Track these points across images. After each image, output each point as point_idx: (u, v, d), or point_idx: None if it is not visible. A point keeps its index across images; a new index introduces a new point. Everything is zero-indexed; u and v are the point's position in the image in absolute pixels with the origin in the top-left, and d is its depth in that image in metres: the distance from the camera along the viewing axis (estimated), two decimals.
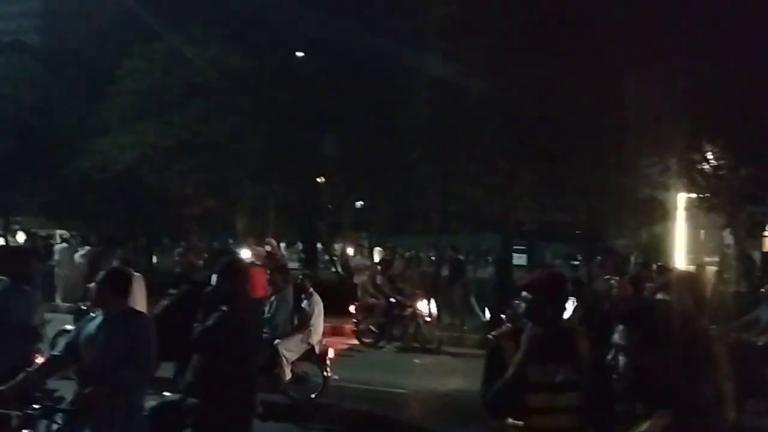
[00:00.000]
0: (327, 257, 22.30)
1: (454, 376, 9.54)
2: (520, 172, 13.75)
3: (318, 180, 22.32)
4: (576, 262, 19.14)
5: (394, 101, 16.52)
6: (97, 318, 3.75)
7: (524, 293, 2.92)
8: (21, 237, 24.17)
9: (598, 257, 15.26)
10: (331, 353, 7.78)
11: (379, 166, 18.48)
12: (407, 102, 16.00)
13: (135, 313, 3.89)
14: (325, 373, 7.50)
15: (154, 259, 22.27)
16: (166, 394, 4.49)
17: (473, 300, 14.73)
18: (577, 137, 12.55)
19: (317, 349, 7.71)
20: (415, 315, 11.71)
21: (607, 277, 9.50)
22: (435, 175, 16.39)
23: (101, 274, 3.89)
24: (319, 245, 22.36)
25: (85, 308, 8.01)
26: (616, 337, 5.83)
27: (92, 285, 7.11)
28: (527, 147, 12.73)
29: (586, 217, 18.46)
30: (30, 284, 5.01)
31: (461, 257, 16.00)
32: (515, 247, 16.81)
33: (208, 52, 17.38)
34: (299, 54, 20.16)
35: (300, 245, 24.06)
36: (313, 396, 7.42)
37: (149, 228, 22.94)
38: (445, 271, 15.10)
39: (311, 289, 8.26)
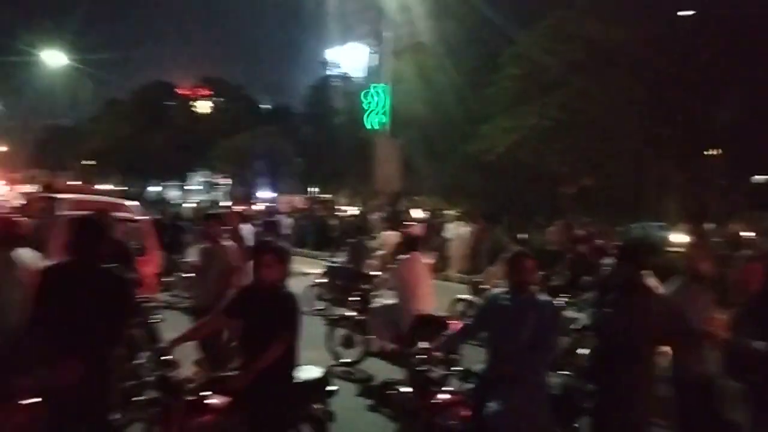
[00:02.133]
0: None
1: None
2: None
3: (708, 153, 19.85)
4: None
5: None
6: (505, 299, 3.99)
7: None
8: (418, 214, 28.05)
9: None
10: None
11: None
12: None
13: (541, 300, 3.94)
14: None
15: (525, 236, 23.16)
16: (565, 373, 4.60)
17: None
18: None
19: None
20: None
21: None
22: None
23: (505, 258, 4.09)
24: (709, 226, 19.91)
25: (479, 283, 8.82)
26: None
27: (493, 268, 7.77)
28: None
29: None
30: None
31: None
32: None
33: (587, 27, 17.05)
34: (685, 13, 18.13)
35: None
36: None
37: (523, 206, 23.97)
38: None
39: None
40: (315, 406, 4.10)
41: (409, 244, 6.97)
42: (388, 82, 20.04)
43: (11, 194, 21.65)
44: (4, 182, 55.49)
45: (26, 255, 4.81)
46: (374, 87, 19.36)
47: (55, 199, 7.75)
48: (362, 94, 19.93)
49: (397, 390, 3.95)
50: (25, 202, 10.70)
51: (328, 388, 4.21)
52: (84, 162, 39.25)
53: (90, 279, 3.56)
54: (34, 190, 31.81)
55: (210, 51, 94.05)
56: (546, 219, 22.84)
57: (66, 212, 7.26)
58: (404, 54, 27.31)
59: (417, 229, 10.67)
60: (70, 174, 40.69)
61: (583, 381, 4.14)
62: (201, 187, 52.17)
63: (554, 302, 4.33)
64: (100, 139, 41.37)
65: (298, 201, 34.96)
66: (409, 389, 3.86)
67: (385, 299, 7.20)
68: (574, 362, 5.33)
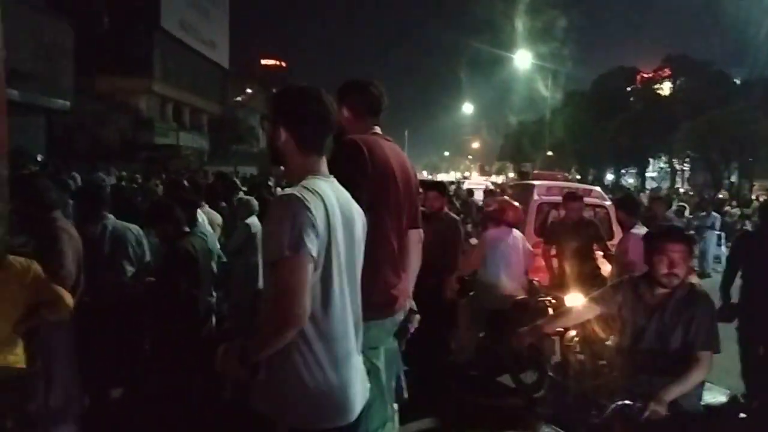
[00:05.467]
0: None
1: None
2: None
3: None
4: None
5: None
6: None
7: None
8: None
9: None
10: None
11: None
12: None
13: None
14: None
15: None
16: None
17: None
18: None
19: None
20: None
21: None
22: None
23: None
24: None
25: None
26: None
27: None
28: None
29: None
30: None
31: None
32: None
33: None
34: None
35: None
36: None
37: None
38: None
39: None
40: None
41: None
42: None
43: (483, 183, 24.38)
44: (478, 174, 64.14)
45: (516, 235, 5.50)
46: None
47: (532, 185, 8.46)
48: None
49: None
50: (498, 191, 12.11)
51: (741, 415, 3.19)
52: (548, 153, 41.99)
53: None
54: (502, 181, 35.62)
55: (673, 28, 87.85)
56: None
57: (541, 197, 7.88)
58: None
59: None
60: (533, 165, 44.24)
61: None
62: (658, 174, 49.34)
63: None
64: (559, 130, 43.54)
65: None
66: None
67: None
68: None
